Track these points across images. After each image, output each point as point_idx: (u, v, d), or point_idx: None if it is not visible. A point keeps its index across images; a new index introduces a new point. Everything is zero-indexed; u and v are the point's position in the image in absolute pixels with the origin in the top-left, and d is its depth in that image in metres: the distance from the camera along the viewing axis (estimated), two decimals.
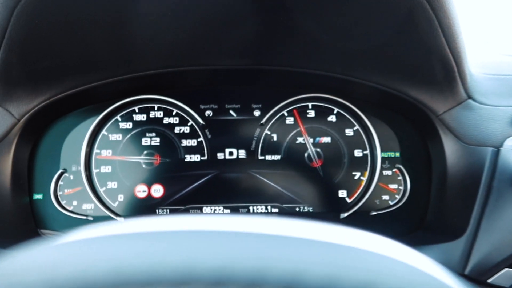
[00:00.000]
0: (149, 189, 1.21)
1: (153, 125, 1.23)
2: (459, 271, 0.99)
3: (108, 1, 0.83)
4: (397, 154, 1.23)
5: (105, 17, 0.89)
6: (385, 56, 1.06)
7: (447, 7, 0.84)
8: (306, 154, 1.23)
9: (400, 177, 1.23)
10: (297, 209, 1.22)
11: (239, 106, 1.25)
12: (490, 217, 0.99)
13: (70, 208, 1.19)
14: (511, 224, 0.95)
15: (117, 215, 1.19)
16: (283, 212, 1.21)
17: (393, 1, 0.82)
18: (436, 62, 1.00)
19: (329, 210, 1.21)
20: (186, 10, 0.91)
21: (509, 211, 0.96)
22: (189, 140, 1.23)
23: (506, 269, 0.98)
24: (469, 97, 1.09)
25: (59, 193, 1.19)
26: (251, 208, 1.21)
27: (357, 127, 1.25)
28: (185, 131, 1.23)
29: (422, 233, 1.16)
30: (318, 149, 1.23)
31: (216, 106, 1.24)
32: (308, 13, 0.92)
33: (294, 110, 1.25)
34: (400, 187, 1.22)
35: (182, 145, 1.23)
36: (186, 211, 1.20)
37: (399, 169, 1.23)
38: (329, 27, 0.98)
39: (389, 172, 1.23)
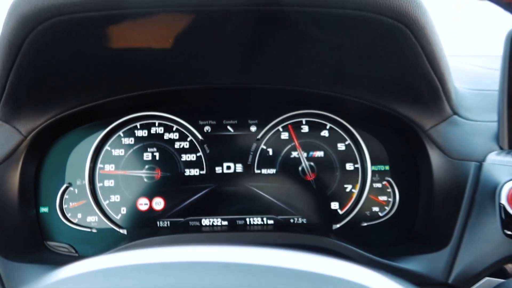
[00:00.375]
0: (150, 202, 1.26)
1: (154, 140, 1.29)
2: (443, 280, 1.05)
3: (114, 32, 0.89)
4: (387, 168, 1.29)
5: (111, 45, 0.95)
6: (373, 76, 1.12)
7: (429, 35, 0.90)
8: (300, 168, 1.29)
9: (389, 190, 1.29)
10: (292, 220, 1.27)
11: (236, 122, 1.30)
12: (473, 229, 1.04)
13: (75, 221, 1.24)
14: (491, 236, 1.01)
15: (120, 227, 1.24)
16: (278, 224, 1.27)
17: (376, 28, 0.88)
18: (421, 83, 1.06)
19: (322, 222, 1.27)
20: (187, 34, 0.96)
21: (489, 223, 1.02)
22: (189, 155, 1.29)
23: (487, 278, 1.04)
24: (455, 113, 1.15)
25: (64, 206, 1.24)
26: (247, 220, 1.27)
27: (348, 141, 1.31)
28: (185, 146, 1.29)
29: (410, 244, 1.21)
30: (312, 163, 1.29)
31: (214, 122, 1.30)
32: (300, 37, 0.98)
33: (289, 126, 1.31)
34: (389, 199, 1.28)
35: (182, 159, 1.28)
36: (186, 223, 1.26)
37: (389, 181, 1.29)
38: (318, 48, 1.03)
39: (379, 185, 1.29)
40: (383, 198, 1.29)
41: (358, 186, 1.29)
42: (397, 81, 1.11)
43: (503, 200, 1.00)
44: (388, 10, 0.80)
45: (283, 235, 1.16)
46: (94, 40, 0.93)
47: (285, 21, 0.90)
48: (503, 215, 1.00)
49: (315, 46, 1.02)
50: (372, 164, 1.28)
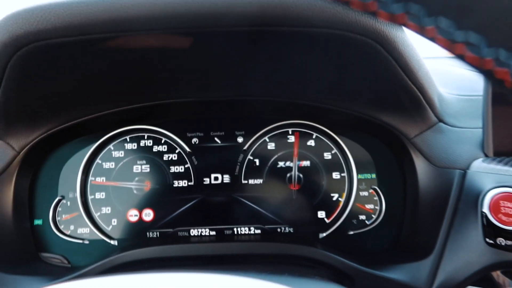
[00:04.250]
0: (140, 213, 1.29)
1: (144, 153, 1.32)
2: None
3: (94, 53, 0.92)
4: (373, 176, 1.30)
5: (93, 66, 0.98)
6: (355, 88, 1.13)
7: (401, 48, 0.90)
8: (287, 177, 1.30)
9: (376, 198, 1.29)
10: (279, 230, 1.29)
11: (223, 133, 1.32)
12: (455, 237, 1.05)
13: (68, 233, 1.28)
14: (474, 245, 1.01)
15: (111, 238, 1.28)
16: (265, 233, 1.28)
17: (348, 44, 0.88)
18: (401, 93, 1.06)
19: (309, 231, 1.28)
20: (172, 52, 0.98)
21: (472, 232, 1.02)
22: (177, 167, 1.31)
23: (470, 287, 1.04)
24: (440, 120, 1.15)
25: (57, 218, 1.27)
26: (235, 229, 1.29)
27: (334, 150, 1.32)
28: (173, 158, 1.32)
29: (395, 252, 1.22)
30: (298, 173, 1.30)
31: (201, 134, 1.32)
32: (282, 53, 0.99)
33: (296, 133, 1.32)
34: (376, 207, 1.29)
35: (170, 171, 1.31)
36: (175, 233, 1.28)
37: (375, 190, 1.29)
38: (300, 62, 1.05)
39: (365, 193, 1.29)
40: (369, 206, 1.29)
41: (344, 194, 1.30)
42: (378, 93, 1.11)
43: (485, 209, 1.00)
44: (356, 27, 0.81)
45: (269, 244, 1.17)
46: (77, 61, 0.96)
47: (265, 40, 0.92)
48: (485, 224, 1.00)
49: (296, 60, 1.03)
50: (358, 172, 1.29)
